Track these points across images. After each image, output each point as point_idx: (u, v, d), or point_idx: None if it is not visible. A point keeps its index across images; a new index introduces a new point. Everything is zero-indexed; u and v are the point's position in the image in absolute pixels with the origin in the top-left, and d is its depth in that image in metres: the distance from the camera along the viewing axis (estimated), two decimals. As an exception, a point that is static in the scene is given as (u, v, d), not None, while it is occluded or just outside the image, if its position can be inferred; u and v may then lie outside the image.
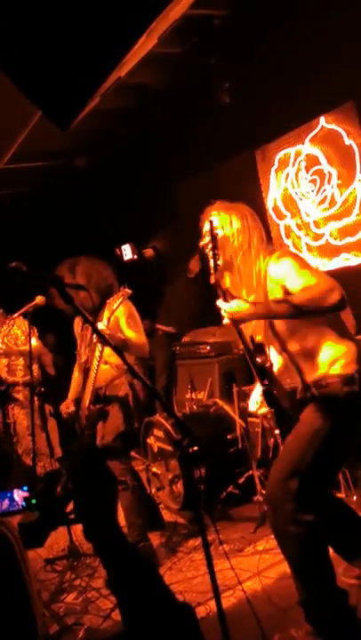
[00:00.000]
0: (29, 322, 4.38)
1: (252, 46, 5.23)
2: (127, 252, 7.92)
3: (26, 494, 1.41)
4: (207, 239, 2.57)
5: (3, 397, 5.36)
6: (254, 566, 3.29)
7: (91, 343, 3.61)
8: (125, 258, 7.92)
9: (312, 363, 2.47)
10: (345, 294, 2.30)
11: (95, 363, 3.40)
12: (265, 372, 2.54)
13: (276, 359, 2.65)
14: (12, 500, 1.45)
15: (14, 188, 7.30)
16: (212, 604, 2.46)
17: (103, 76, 1.42)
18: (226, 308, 2.45)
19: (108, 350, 3.36)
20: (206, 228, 2.59)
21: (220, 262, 2.52)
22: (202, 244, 2.65)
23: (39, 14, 1.35)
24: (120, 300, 3.32)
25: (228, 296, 2.49)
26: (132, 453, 4.74)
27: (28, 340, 4.44)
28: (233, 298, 2.47)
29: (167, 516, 4.33)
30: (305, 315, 2.37)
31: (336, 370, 2.41)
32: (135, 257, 7.87)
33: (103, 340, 2.23)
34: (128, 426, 3.57)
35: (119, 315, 3.50)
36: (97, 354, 3.39)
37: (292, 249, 5.55)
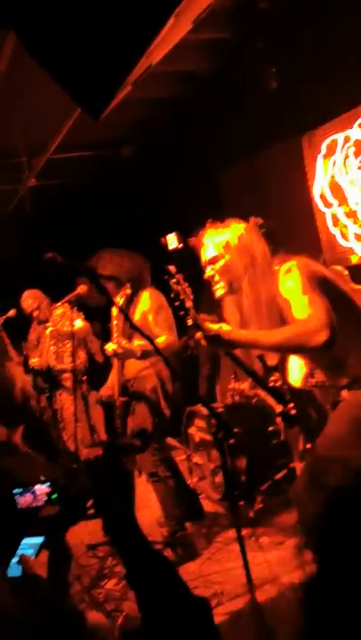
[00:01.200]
0: (74, 308, 4.44)
1: (299, 30, 5.10)
2: (172, 241, 7.90)
3: (48, 489, 1.44)
4: (210, 270, 2.51)
5: (51, 384, 5.46)
6: (295, 560, 3.25)
7: (124, 334, 3.63)
8: (170, 247, 7.91)
9: (343, 365, 2.40)
10: (334, 333, 2.21)
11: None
12: (281, 394, 2.48)
13: (300, 363, 2.58)
14: (34, 495, 1.48)
15: (60, 178, 7.39)
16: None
17: (130, 64, 1.39)
18: (200, 334, 2.40)
19: (138, 342, 3.40)
20: (209, 253, 2.51)
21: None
22: (207, 276, 2.57)
23: (65, 6, 1.34)
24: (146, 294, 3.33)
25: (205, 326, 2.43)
26: (174, 442, 4.76)
27: (73, 330, 4.51)
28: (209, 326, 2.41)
29: (208, 506, 4.33)
30: (286, 352, 2.33)
31: None
32: (180, 246, 7.84)
33: (135, 329, 2.25)
34: (155, 423, 3.58)
35: (147, 311, 3.52)
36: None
37: (338, 238, 5.43)
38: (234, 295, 2.53)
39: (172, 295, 2.50)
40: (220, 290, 2.51)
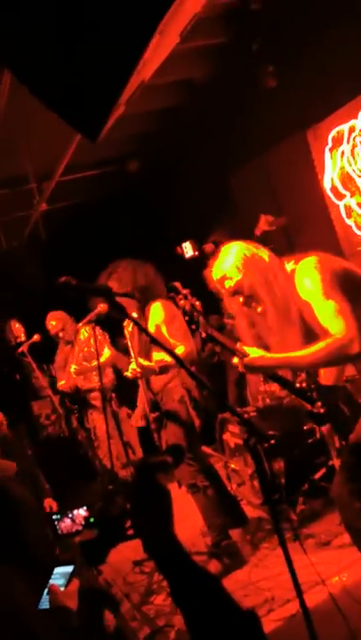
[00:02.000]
0: (98, 328, 4.48)
1: (293, 26, 5.09)
2: (188, 249, 7.91)
3: (86, 513, 1.44)
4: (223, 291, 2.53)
5: (82, 404, 5.50)
6: (343, 559, 3.19)
7: (142, 349, 3.62)
8: (187, 255, 7.91)
9: None
10: None
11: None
12: (307, 395, 2.46)
13: None
14: (73, 520, 1.48)
15: (71, 199, 7.46)
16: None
17: (120, 85, 1.40)
18: (238, 360, 2.40)
19: (157, 355, 3.41)
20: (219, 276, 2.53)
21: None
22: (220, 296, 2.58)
23: (52, 33, 1.36)
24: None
25: (237, 349, 2.42)
26: (209, 450, 4.74)
27: (97, 348, 4.53)
28: (242, 350, 2.41)
29: (250, 511, 4.28)
30: (319, 368, 2.33)
31: None
32: (196, 253, 7.84)
33: (155, 342, 2.24)
34: (186, 434, 3.56)
35: (159, 322, 3.51)
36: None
37: (354, 229, 5.37)
38: (245, 311, 2.52)
39: (181, 311, 2.50)
40: (233, 307, 2.52)
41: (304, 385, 2.47)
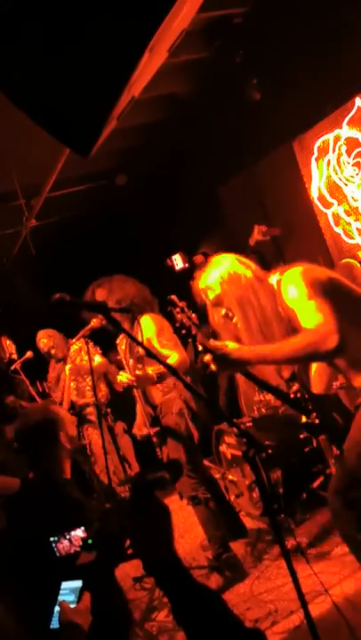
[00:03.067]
0: (91, 343, 4.46)
1: (275, 38, 5.15)
2: (178, 261, 7.92)
3: (83, 534, 1.40)
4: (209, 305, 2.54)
5: (77, 419, 5.46)
6: (345, 568, 3.18)
7: (136, 363, 3.63)
8: (177, 267, 7.93)
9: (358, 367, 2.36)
10: (343, 337, 2.19)
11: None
12: (302, 405, 2.45)
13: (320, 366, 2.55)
14: (70, 541, 1.44)
15: (60, 214, 7.45)
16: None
17: (112, 101, 1.41)
18: (209, 356, 2.35)
19: (151, 369, 3.41)
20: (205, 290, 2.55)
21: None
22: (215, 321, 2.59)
23: (41, 50, 1.37)
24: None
25: (210, 346, 2.38)
26: (206, 463, 4.72)
27: (91, 364, 4.52)
28: (217, 345, 2.36)
29: (250, 523, 4.26)
30: (298, 363, 2.30)
31: None
32: (186, 265, 7.86)
33: (149, 353, 2.23)
34: (186, 447, 3.55)
35: (150, 335, 3.52)
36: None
37: (343, 236, 5.41)
38: (231, 323, 2.53)
39: (178, 324, 2.50)
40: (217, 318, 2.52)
41: (298, 395, 2.45)
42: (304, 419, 2.51)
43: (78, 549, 1.41)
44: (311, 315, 2.25)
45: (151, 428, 3.50)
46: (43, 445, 2.06)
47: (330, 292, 2.32)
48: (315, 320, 2.23)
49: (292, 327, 2.38)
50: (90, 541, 1.19)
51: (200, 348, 2.36)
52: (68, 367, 5.33)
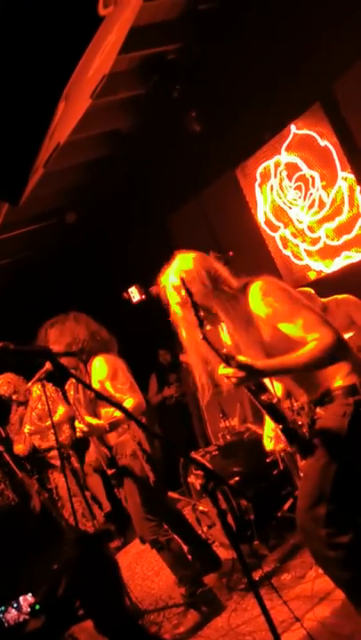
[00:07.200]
0: (51, 385, 4.39)
1: (210, 72, 5.30)
2: (134, 294, 7.94)
3: (32, 599, 1.35)
4: (177, 298, 2.47)
5: (41, 464, 5.34)
6: (320, 591, 3.16)
7: (88, 406, 3.56)
8: (134, 300, 7.94)
9: (312, 381, 2.39)
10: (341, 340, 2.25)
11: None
12: (275, 410, 2.42)
13: (275, 385, 2.55)
14: (18, 609, 1.39)
15: (11, 256, 7.40)
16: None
17: (34, 150, 1.42)
18: (229, 373, 2.26)
19: (105, 410, 3.37)
20: (172, 282, 2.49)
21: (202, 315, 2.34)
22: (177, 315, 2.52)
23: None
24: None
25: (228, 357, 2.27)
26: (176, 495, 4.66)
27: (49, 406, 4.44)
28: (233, 358, 2.26)
29: (224, 553, 4.21)
30: (309, 370, 2.32)
31: (338, 382, 2.33)
32: (143, 297, 7.87)
33: (104, 398, 2.19)
34: (143, 493, 3.46)
35: (103, 379, 3.47)
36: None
37: (292, 258, 5.51)
38: (210, 330, 2.47)
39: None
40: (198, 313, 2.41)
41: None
42: (280, 426, 2.43)
43: (27, 617, 1.35)
44: (310, 324, 2.25)
45: (108, 469, 3.43)
46: None
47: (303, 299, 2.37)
48: (316, 327, 2.24)
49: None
50: (37, 607, 1.15)
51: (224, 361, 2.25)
52: (29, 414, 5.22)
